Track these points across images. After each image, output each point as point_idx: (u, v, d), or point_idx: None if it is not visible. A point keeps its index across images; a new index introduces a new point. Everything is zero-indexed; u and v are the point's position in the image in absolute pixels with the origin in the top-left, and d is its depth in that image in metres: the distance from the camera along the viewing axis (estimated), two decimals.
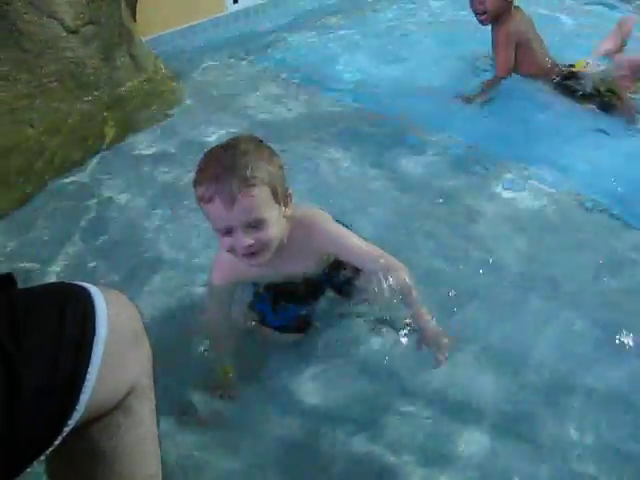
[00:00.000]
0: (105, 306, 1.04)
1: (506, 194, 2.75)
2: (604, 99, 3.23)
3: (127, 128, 3.22)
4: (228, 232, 1.67)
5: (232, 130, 3.09)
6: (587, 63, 3.32)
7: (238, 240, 1.67)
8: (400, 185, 2.81)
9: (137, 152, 3.12)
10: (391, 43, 4.13)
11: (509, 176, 2.85)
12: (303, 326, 2.08)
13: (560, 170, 2.87)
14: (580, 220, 2.63)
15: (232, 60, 4.00)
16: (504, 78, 3.41)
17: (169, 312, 2.24)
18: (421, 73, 3.72)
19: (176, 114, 3.41)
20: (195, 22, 4.25)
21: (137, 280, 2.37)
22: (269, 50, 4.12)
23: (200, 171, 1.66)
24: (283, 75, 3.80)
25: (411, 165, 2.93)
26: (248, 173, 1.60)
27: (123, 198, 2.80)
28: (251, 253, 1.71)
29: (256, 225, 1.66)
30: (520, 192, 2.75)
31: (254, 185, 1.61)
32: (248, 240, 1.67)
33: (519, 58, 3.38)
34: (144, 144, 3.17)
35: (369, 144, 3.10)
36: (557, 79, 3.36)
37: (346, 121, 3.32)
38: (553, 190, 2.75)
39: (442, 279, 2.28)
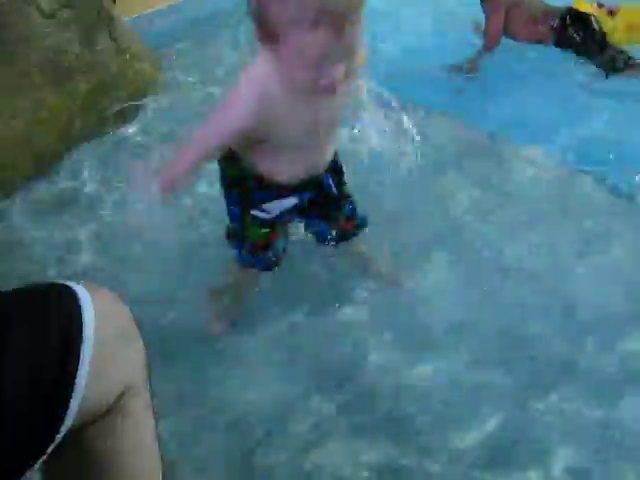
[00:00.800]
0: (92, 306, 0.99)
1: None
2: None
3: (111, 115, 3.12)
4: (315, 65, 1.45)
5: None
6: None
7: (332, 70, 1.45)
8: None
9: (124, 140, 3.03)
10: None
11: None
12: None
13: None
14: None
15: (214, 39, 3.89)
16: (492, 48, 3.35)
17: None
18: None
19: (161, 97, 3.31)
20: (175, 1, 4.14)
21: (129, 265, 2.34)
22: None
23: None
24: None
25: None
26: None
27: (109, 190, 2.73)
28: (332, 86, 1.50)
29: (351, 54, 1.48)
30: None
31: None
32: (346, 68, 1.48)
33: (512, 22, 3.31)
34: (131, 131, 3.09)
35: None
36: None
37: None
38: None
39: None
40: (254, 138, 1.65)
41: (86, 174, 2.82)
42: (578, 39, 3.20)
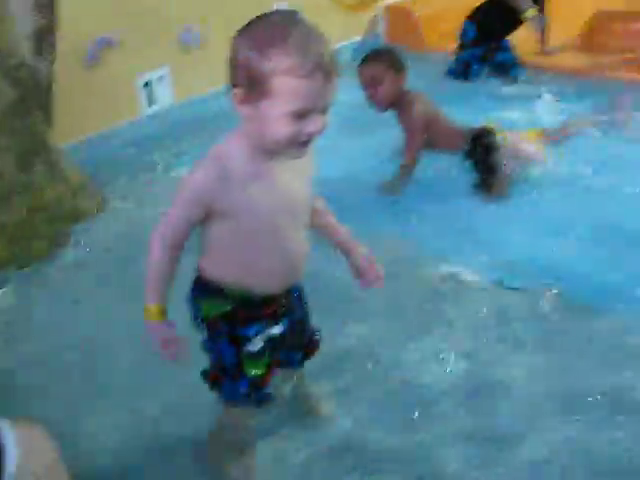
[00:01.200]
0: (15, 443, 0.99)
1: None
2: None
3: (48, 241, 3.15)
4: (301, 116, 1.43)
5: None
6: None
7: (315, 122, 1.45)
8: None
9: (62, 267, 3.06)
10: None
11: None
12: None
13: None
14: None
15: (149, 164, 4.01)
16: (412, 165, 3.46)
17: None
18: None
19: (97, 222, 3.37)
20: (111, 127, 4.28)
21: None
22: (184, 152, 4.16)
23: (279, 38, 1.39)
24: None
25: None
26: (331, 48, 1.44)
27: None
28: (309, 142, 1.51)
29: (327, 109, 1.49)
30: None
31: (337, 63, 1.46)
32: (325, 121, 1.48)
33: (432, 135, 3.44)
34: (66, 258, 3.12)
35: None
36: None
37: None
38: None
39: None
40: (222, 222, 1.59)
41: (18, 298, 2.81)
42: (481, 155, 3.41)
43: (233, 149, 1.55)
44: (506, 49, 4.92)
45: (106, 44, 4.16)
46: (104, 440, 2.12)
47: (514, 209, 3.32)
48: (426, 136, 3.41)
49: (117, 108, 4.30)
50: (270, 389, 1.84)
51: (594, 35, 5.29)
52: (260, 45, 1.41)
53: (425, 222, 3.25)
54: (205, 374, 1.85)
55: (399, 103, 3.40)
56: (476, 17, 4.93)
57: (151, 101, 4.48)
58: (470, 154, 3.44)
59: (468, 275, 2.82)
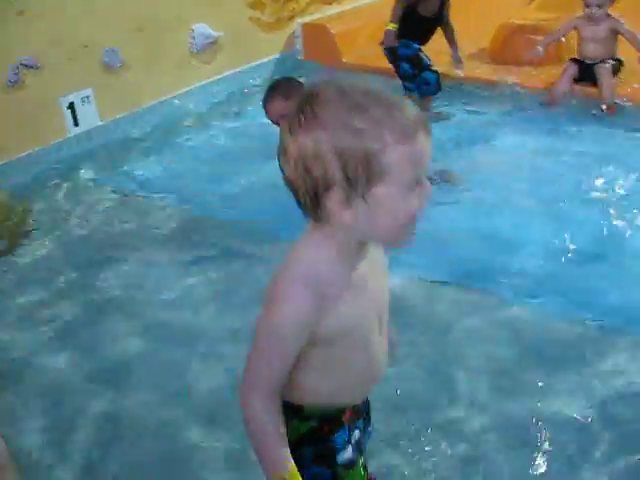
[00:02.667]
0: None
1: None
2: None
3: None
4: (418, 182, 1.20)
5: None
6: None
7: (428, 186, 1.22)
8: None
9: None
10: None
11: None
12: None
13: None
14: None
15: (76, 183, 4.09)
16: None
17: None
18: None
19: (26, 246, 3.43)
20: (37, 148, 4.31)
21: None
22: (112, 169, 4.26)
23: (364, 110, 1.13)
24: (126, 192, 3.96)
25: None
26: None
27: None
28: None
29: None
30: None
31: None
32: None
33: None
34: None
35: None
36: None
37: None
38: None
39: None
40: (311, 348, 1.31)
41: None
42: None
43: (321, 265, 1.25)
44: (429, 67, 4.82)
45: (27, 67, 4.19)
46: None
47: None
48: None
49: (43, 129, 4.33)
50: None
51: (501, 47, 5.57)
52: (346, 122, 1.13)
53: None
54: None
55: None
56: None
57: (76, 122, 4.51)
58: None
59: None
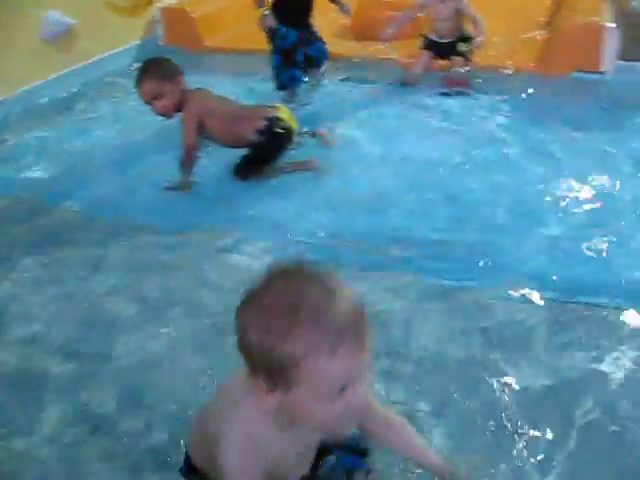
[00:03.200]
0: None
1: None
2: None
3: None
4: (343, 389, 1.22)
5: None
6: None
7: (355, 395, 1.24)
8: None
9: None
10: None
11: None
12: None
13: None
14: None
15: None
16: (189, 154, 3.55)
17: None
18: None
19: None
20: None
21: None
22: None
23: (292, 314, 1.17)
24: None
25: None
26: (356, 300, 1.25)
27: None
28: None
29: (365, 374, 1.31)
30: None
31: None
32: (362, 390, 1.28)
33: (212, 130, 3.58)
34: None
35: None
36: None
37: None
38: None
39: None
40: None
41: None
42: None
43: (256, 430, 1.37)
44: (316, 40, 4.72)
45: None
46: None
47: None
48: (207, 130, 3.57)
49: None
50: None
51: (361, 23, 5.65)
52: (267, 324, 1.19)
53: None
54: None
55: (183, 105, 3.54)
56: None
57: None
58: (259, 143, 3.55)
59: None
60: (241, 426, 1.37)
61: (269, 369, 1.20)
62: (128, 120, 4.45)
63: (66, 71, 5.15)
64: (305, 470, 1.58)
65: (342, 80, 4.99)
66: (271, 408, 1.29)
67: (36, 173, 3.90)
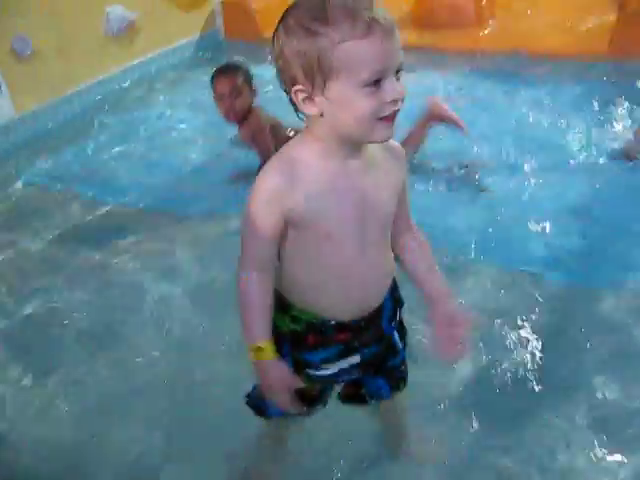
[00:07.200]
0: None
1: None
2: None
3: None
4: (376, 84, 1.26)
5: None
6: None
7: (393, 87, 1.27)
8: None
9: None
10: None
11: None
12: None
13: None
14: None
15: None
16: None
17: None
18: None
19: None
20: None
21: None
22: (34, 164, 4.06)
23: (320, 11, 1.25)
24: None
25: None
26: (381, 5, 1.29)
27: None
28: (394, 114, 1.31)
29: (399, 71, 1.30)
30: None
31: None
32: (402, 85, 1.29)
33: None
34: None
35: None
36: None
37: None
38: None
39: None
40: (291, 232, 1.43)
41: None
42: None
43: (301, 151, 1.39)
44: None
45: None
46: None
47: None
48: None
49: None
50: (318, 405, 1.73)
51: (422, 10, 5.55)
52: (303, 26, 1.27)
53: None
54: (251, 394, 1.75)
55: (247, 118, 3.46)
56: None
57: None
58: None
59: None
60: (281, 156, 1.41)
61: (307, 70, 1.28)
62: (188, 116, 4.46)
63: (128, 65, 5.19)
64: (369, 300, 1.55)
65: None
66: (320, 130, 1.35)
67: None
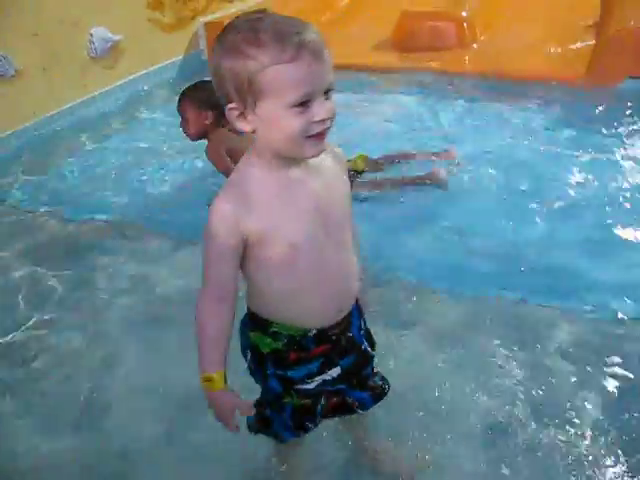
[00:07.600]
0: None
1: None
2: None
3: None
4: (304, 103, 1.33)
5: None
6: None
7: (322, 107, 1.35)
8: None
9: None
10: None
11: None
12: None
13: None
14: None
15: None
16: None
17: None
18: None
19: None
20: None
21: None
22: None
23: (250, 34, 1.32)
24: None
25: None
26: (313, 28, 1.36)
27: None
28: (323, 132, 1.38)
29: (329, 91, 1.37)
30: None
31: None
32: (331, 105, 1.37)
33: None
34: None
35: None
36: None
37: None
38: None
39: None
40: (255, 251, 1.46)
41: None
42: None
43: (248, 171, 1.45)
44: None
45: None
46: None
47: None
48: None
49: None
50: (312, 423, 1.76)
51: (402, 34, 5.57)
52: (237, 47, 1.33)
53: None
54: (251, 427, 1.77)
55: (208, 137, 3.45)
56: None
57: None
58: None
59: None
60: (230, 180, 1.48)
61: (238, 87, 1.35)
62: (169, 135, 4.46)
63: (111, 86, 5.20)
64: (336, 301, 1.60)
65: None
66: (259, 146, 1.43)
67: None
